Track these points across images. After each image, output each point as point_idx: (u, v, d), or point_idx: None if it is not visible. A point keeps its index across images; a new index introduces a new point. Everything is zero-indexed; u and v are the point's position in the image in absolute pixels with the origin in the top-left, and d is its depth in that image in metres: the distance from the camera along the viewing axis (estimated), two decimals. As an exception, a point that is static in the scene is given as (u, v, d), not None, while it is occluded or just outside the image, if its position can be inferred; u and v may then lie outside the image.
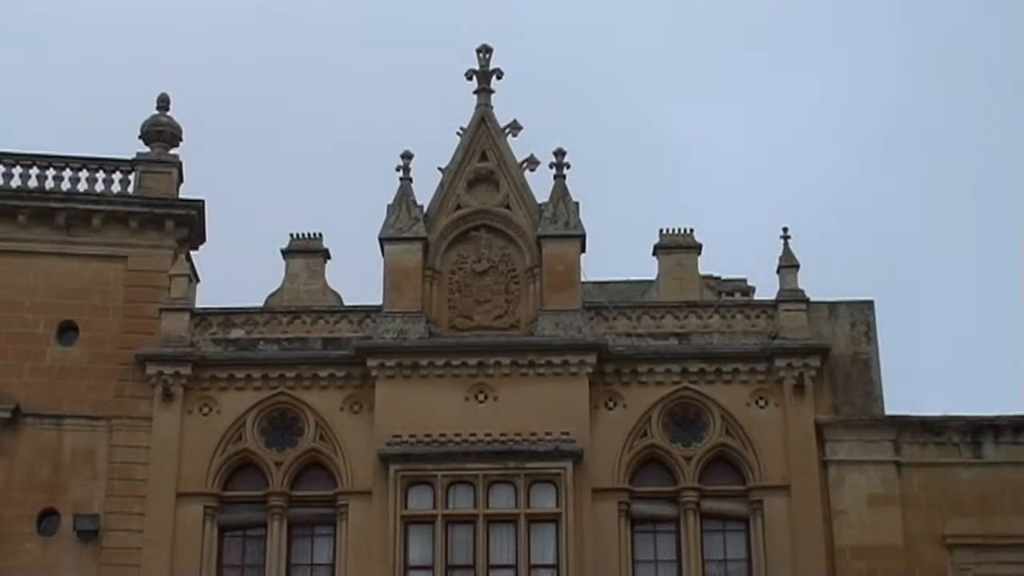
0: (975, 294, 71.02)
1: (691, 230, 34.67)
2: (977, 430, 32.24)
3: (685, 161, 74.55)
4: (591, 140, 58.97)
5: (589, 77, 77.48)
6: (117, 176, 34.62)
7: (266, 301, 34.28)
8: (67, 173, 34.49)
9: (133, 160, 34.73)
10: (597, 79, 77.56)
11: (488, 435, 31.86)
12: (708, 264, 35.18)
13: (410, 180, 34.47)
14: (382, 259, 33.89)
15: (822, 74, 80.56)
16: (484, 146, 34.76)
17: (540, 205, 34.14)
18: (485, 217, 34.33)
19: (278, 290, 34.45)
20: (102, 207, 34.05)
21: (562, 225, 33.77)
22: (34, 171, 34.47)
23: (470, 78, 35.37)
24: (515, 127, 34.68)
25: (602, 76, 78.84)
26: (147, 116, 35.39)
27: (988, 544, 31.34)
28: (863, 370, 33.10)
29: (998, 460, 32.10)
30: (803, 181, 72.99)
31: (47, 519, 31.87)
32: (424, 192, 34.50)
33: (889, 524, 31.46)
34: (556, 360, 32.37)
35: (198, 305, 34.19)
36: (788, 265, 33.72)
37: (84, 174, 34.56)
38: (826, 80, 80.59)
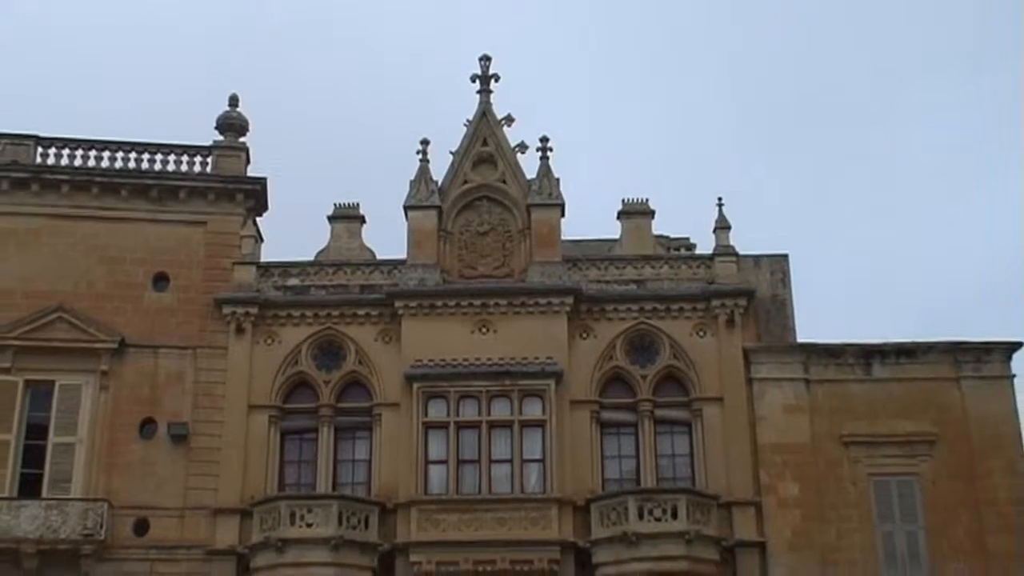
0: (868, 247, 70.83)
1: (647, 200, 34.98)
2: (868, 354, 32.65)
3: (641, 145, 75.14)
4: (570, 130, 59.56)
5: (567, 84, 77.77)
6: (198, 159, 34.91)
7: (316, 256, 34.69)
8: (159, 156, 34.70)
9: (210, 146, 35.12)
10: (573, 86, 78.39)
11: (489, 359, 32.34)
12: (660, 226, 35.49)
13: (427, 161, 34.80)
14: (406, 223, 34.29)
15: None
16: (485, 134, 35.15)
17: (529, 180, 34.54)
18: (486, 190, 34.76)
19: (325, 248, 34.89)
20: (187, 183, 34.33)
21: (546, 196, 34.20)
22: (133, 155, 34.62)
23: (474, 81, 35.66)
24: (509, 119, 35.08)
25: (576, 83, 79.39)
26: (220, 112, 35.67)
27: (875, 441, 31.90)
28: (780, 308, 33.54)
29: (884, 377, 32.47)
30: (733, 159, 73.54)
31: (147, 426, 32.42)
32: (439, 170, 34.96)
33: (799, 427, 31.94)
34: (542, 301, 32.93)
35: (263, 259, 34.54)
36: (722, 227, 34.14)
37: (172, 157, 34.75)
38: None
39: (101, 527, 30.85)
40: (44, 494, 31.34)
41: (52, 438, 31.97)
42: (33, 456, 31.88)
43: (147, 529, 31.68)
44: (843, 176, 74.02)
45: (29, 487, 31.57)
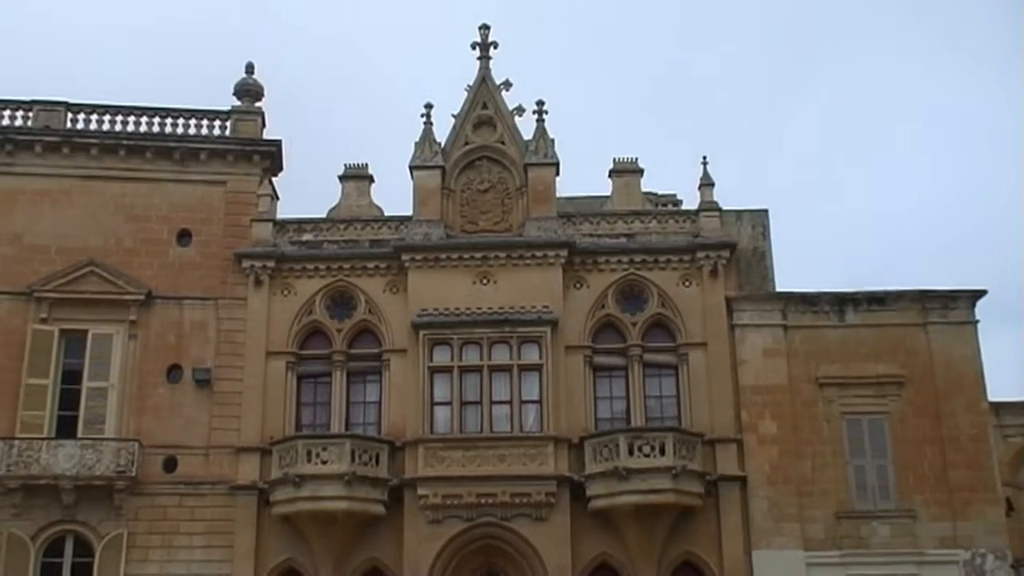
0: (843, 204, 71.18)
1: (636, 159, 34.81)
2: (841, 301, 32.73)
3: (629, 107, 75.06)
4: (567, 93, 59.11)
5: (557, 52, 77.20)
6: (218, 123, 35.00)
7: (328, 213, 34.71)
8: (181, 121, 34.81)
9: (229, 111, 35.19)
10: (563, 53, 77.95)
11: (490, 308, 32.47)
12: (649, 183, 35.44)
13: (431, 124, 34.71)
14: (412, 182, 34.26)
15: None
16: (485, 99, 35.08)
17: (526, 141, 34.44)
18: (486, 151, 34.69)
19: (336, 205, 34.85)
20: (207, 146, 34.38)
21: (542, 156, 34.12)
22: (157, 119, 34.69)
23: (474, 48, 35.47)
24: (507, 84, 34.99)
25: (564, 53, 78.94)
26: (238, 79, 35.55)
27: (848, 383, 32.06)
28: (760, 259, 33.63)
29: (856, 323, 32.56)
30: (715, 124, 73.47)
31: (174, 372, 32.74)
32: (442, 132, 34.89)
33: (778, 369, 32.11)
34: (538, 254, 33.00)
35: (279, 216, 34.44)
36: (706, 184, 34.12)
37: (193, 121, 34.86)
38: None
39: (133, 464, 31.35)
40: (79, 434, 31.78)
41: (86, 383, 32.31)
42: (69, 400, 32.23)
43: (175, 466, 32.09)
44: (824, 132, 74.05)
45: (66, 428, 31.96)
